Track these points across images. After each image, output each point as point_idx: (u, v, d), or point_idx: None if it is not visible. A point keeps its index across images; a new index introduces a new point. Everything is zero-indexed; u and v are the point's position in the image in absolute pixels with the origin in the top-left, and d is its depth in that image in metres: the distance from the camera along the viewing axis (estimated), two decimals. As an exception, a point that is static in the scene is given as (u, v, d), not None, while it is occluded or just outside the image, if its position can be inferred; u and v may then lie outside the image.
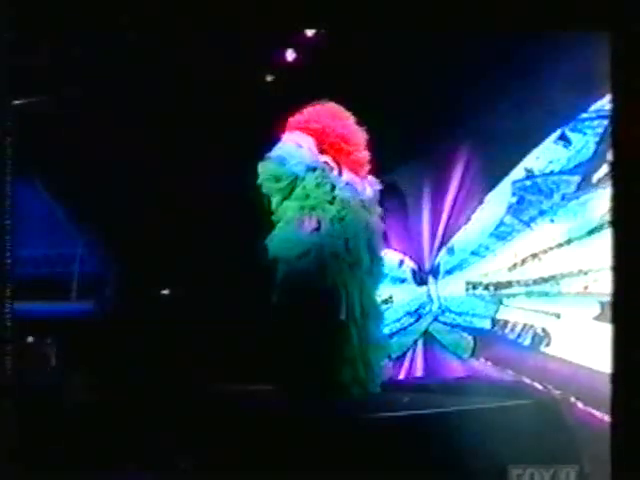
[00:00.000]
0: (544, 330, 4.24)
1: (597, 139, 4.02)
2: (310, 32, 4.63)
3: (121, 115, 5.06)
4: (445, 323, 4.79)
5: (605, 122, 3.93)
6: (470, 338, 4.58)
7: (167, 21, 2.64)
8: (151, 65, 4.82)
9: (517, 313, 4.38)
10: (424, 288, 4.84)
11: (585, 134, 4.12)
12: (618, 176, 1.94)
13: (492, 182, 4.57)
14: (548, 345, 4.21)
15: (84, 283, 5.72)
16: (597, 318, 3.88)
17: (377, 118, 4.01)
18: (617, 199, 1.95)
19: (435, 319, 4.84)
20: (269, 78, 4.98)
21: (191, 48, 4.43)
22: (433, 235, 4.83)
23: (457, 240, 4.69)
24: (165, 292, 5.42)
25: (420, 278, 4.86)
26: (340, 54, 4.60)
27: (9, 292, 2.46)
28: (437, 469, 2.71)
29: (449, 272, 4.72)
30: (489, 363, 4.39)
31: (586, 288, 3.99)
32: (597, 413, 3.79)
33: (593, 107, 4.05)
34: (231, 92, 4.81)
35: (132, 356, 4.63)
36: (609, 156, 3.80)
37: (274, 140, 3.69)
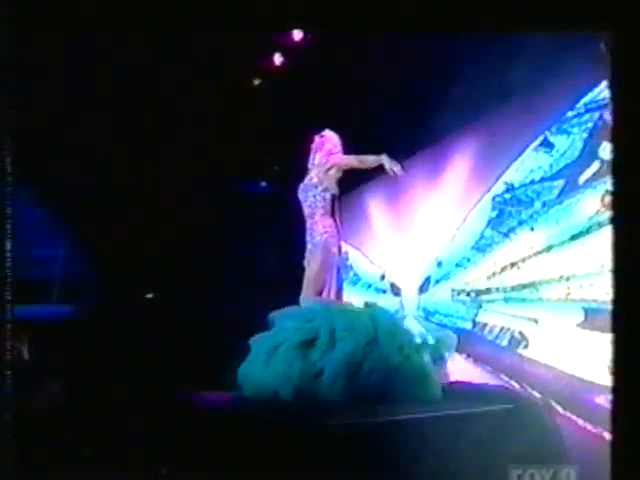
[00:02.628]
0: (521, 333, 4.29)
1: (586, 135, 3.94)
2: (298, 35, 4.54)
3: (105, 116, 4.90)
4: (434, 323, 5.08)
5: (596, 115, 3.86)
6: (455, 336, 4.78)
7: (159, 22, 2.51)
8: (137, 68, 4.68)
9: (495, 317, 4.52)
10: (398, 298, 5.38)
11: (570, 134, 4.05)
12: (618, 175, 1.86)
13: (475, 200, 4.73)
14: (526, 348, 4.25)
15: (66, 285, 5.51)
16: (580, 325, 3.86)
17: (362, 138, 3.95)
18: (617, 200, 1.87)
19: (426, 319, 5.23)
20: (256, 81, 4.88)
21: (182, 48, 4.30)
22: (423, 252, 5.20)
23: (444, 254, 5.03)
24: (149, 295, 5.27)
25: (396, 290, 5.39)
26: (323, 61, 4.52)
27: (9, 296, 2.31)
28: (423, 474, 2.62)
29: (438, 281, 5.11)
30: (470, 359, 4.57)
31: (568, 295, 3.97)
32: (575, 418, 3.77)
33: (581, 102, 3.97)
34: (219, 93, 4.70)
35: (114, 359, 4.46)
36: (601, 152, 3.80)
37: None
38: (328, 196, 3.75)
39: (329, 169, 3.78)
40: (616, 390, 1.91)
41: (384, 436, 2.70)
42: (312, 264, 3.67)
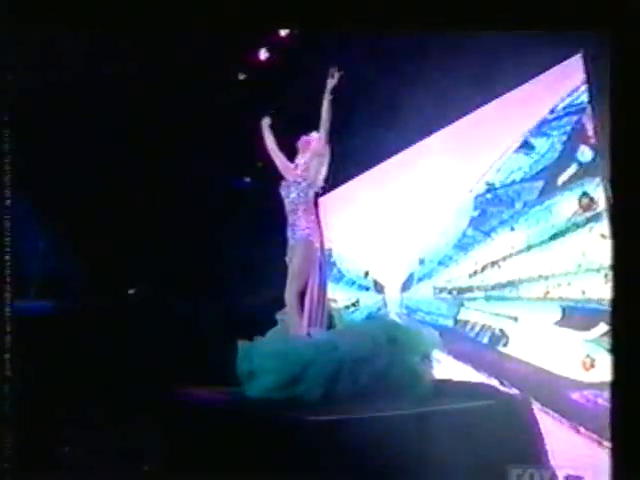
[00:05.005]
0: (501, 331, 4.31)
1: (564, 138, 3.94)
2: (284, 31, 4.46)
3: (87, 114, 4.76)
4: (416, 320, 5.06)
5: (574, 118, 3.87)
6: (437, 333, 4.78)
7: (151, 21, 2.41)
8: (124, 65, 4.55)
9: (476, 315, 4.52)
10: (381, 295, 5.42)
11: (550, 136, 4.05)
12: (617, 178, 1.83)
13: (457, 199, 4.71)
14: (506, 345, 4.27)
15: (44, 281, 5.33)
16: (558, 323, 3.89)
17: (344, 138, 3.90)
18: (616, 206, 1.84)
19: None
20: (241, 76, 4.78)
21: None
22: (406, 250, 5.18)
23: (427, 253, 5.03)
24: (130, 291, 5.14)
25: (380, 287, 5.41)
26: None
27: (8, 292, 2.21)
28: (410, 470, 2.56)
29: (420, 279, 5.10)
30: (451, 356, 4.52)
31: (547, 293, 3.99)
32: (554, 414, 3.78)
33: (560, 105, 3.97)
34: (203, 90, 4.59)
35: (94, 356, 4.34)
36: (578, 155, 3.83)
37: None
38: (311, 192, 3.71)
39: (309, 166, 3.72)
40: (616, 390, 1.88)
41: (366, 433, 2.65)
42: (294, 260, 3.62)
